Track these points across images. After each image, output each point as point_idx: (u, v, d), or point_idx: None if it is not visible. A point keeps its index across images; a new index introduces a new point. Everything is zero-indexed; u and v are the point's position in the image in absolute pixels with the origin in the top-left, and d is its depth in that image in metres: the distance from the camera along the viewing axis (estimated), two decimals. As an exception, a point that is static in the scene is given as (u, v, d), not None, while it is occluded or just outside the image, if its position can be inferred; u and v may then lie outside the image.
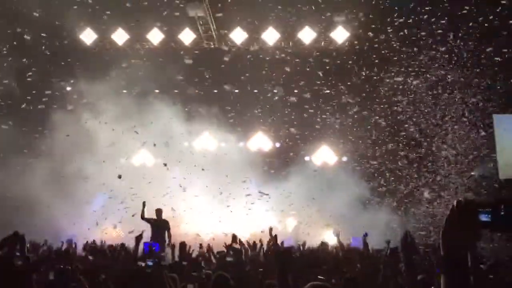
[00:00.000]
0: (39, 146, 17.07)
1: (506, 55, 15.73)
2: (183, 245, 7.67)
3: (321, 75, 18.62)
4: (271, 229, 9.23)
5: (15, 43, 17.71)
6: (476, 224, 1.84)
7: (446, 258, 1.84)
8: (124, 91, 19.09)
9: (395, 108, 17.67)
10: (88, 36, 19.02)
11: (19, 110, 17.48)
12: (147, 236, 11.24)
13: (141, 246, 7.49)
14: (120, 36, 19.00)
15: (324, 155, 18.79)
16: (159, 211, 13.10)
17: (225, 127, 18.43)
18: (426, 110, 17.37)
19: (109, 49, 19.29)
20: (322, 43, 18.88)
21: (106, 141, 16.91)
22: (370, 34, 17.68)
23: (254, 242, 9.14)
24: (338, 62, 18.48)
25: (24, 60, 17.65)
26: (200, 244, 10.92)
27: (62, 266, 5.67)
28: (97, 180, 16.32)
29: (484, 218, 1.84)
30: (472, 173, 17.34)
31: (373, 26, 17.45)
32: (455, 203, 1.88)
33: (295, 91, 19.26)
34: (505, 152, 17.07)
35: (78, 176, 16.41)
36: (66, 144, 16.34)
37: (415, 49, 17.02)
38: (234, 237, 10.04)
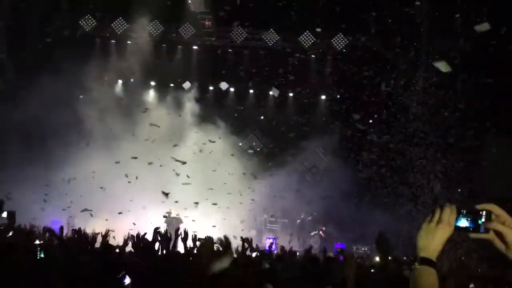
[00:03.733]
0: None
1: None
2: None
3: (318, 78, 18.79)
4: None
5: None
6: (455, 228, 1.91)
7: (421, 256, 1.92)
8: (120, 81, 19.07)
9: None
10: (88, 23, 18.92)
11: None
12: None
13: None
14: (119, 25, 18.95)
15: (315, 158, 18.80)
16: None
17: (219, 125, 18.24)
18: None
19: (107, 36, 19.17)
20: (320, 50, 18.97)
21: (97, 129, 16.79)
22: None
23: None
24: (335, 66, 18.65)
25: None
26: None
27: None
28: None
29: (464, 223, 1.94)
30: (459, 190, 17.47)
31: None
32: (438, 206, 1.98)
33: (290, 94, 19.38)
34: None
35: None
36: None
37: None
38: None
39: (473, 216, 1.91)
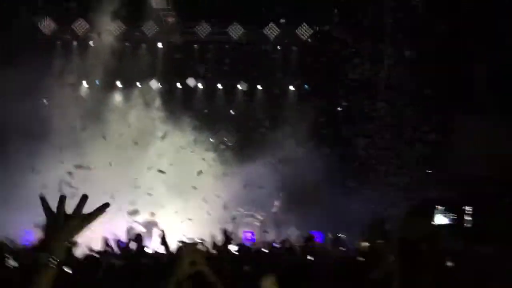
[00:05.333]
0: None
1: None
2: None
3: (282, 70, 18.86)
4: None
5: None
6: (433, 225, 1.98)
7: (401, 249, 1.95)
8: (84, 82, 18.70)
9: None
10: (47, 26, 18.46)
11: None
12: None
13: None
14: (80, 26, 18.55)
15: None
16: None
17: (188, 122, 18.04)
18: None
19: (68, 39, 18.77)
20: (286, 41, 19.02)
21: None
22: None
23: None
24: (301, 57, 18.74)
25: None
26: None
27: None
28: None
29: (444, 220, 1.97)
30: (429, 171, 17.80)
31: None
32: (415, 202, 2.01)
33: (258, 87, 19.39)
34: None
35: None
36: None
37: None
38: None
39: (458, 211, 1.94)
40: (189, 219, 15.26)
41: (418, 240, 1.93)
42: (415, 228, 1.98)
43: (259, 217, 16.75)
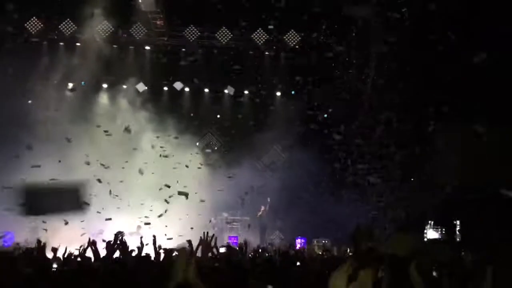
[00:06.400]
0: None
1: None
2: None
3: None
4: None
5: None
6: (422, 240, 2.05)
7: (390, 261, 2.01)
8: (70, 84, 18.54)
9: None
10: (33, 25, 18.29)
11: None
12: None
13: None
14: (67, 27, 18.40)
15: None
16: None
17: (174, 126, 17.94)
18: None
19: (55, 39, 18.61)
20: (274, 47, 19.13)
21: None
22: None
23: None
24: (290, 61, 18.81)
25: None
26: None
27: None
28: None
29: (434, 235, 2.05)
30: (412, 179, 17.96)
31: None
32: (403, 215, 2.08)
33: (245, 92, 19.43)
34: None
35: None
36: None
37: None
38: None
39: (447, 226, 2.01)
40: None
41: (406, 257, 1.98)
42: (404, 245, 2.03)
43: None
